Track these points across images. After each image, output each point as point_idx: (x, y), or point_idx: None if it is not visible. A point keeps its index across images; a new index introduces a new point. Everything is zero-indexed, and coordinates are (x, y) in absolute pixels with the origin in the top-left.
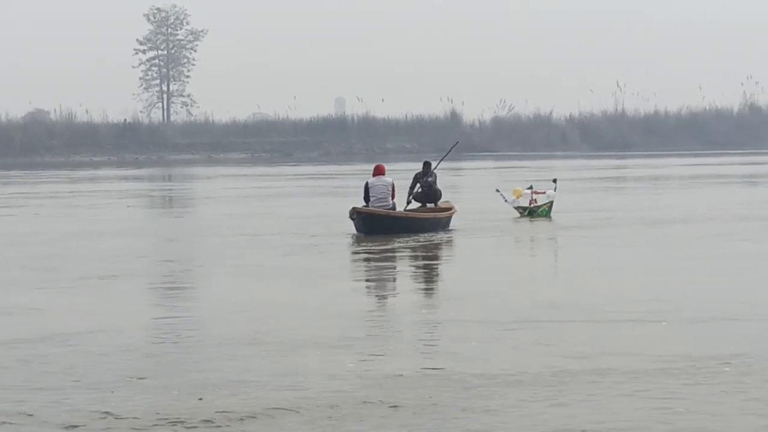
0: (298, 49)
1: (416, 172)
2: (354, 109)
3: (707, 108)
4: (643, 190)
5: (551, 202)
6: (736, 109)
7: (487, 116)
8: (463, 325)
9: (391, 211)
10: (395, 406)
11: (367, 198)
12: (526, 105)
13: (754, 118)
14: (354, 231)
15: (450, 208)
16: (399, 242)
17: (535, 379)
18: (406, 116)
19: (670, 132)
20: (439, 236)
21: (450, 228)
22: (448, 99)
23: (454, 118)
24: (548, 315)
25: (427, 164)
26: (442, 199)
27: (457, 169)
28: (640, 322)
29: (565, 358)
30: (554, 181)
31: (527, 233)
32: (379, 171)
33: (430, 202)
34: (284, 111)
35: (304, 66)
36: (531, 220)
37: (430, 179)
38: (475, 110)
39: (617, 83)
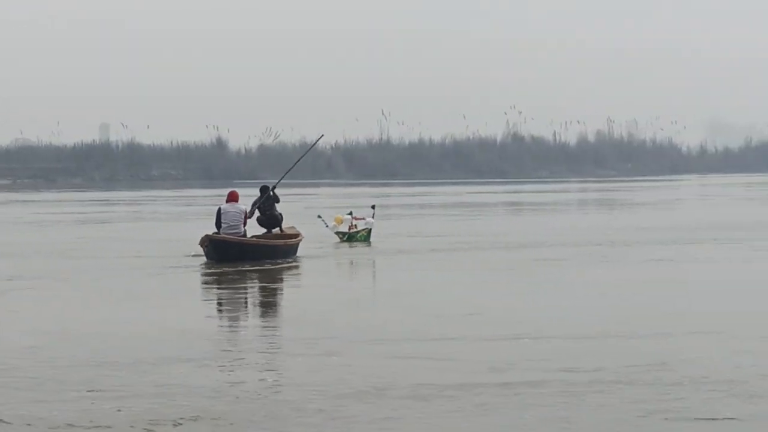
0: (61, 74)
1: (255, 198)
2: (119, 136)
3: (471, 137)
4: (451, 217)
5: (370, 229)
6: (499, 139)
7: (254, 144)
8: (299, 342)
9: (243, 238)
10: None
11: (218, 224)
12: (292, 133)
13: (517, 147)
14: (204, 258)
15: (297, 235)
16: (250, 268)
17: (359, 393)
18: (172, 143)
19: (434, 160)
20: (288, 262)
21: (297, 255)
22: (213, 126)
23: (220, 145)
24: (371, 336)
25: (264, 188)
26: (286, 224)
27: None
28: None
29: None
30: (372, 207)
31: (363, 257)
32: (232, 197)
33: (274, 227)
34: (47, 137)
35: (68, 93)
36: (351, 246)
37: (270, 204)
38: (242, 137)
39: (382, 112)
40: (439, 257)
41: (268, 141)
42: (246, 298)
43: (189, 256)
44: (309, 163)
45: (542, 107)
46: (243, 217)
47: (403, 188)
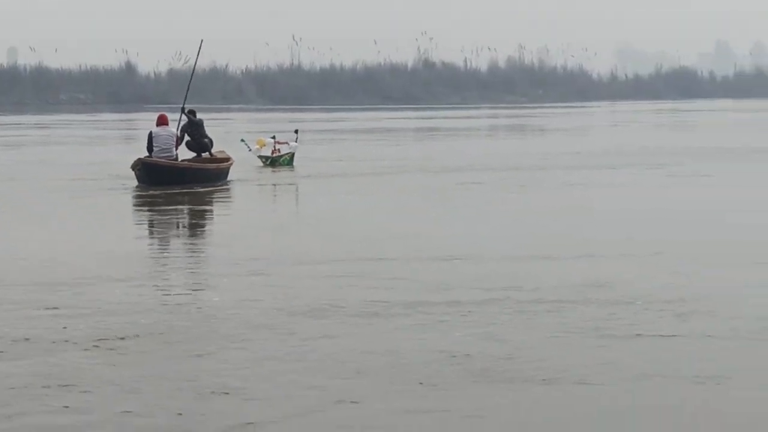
0: None
1: (183, 123)
2: (27, 59)
3: (382, 63)
4: (370, 142)
5: (293, 153)
6: (410, 65)
7: (163, 68)
8: (232, 264)
9: (175, 162)
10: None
11: (150, 148)
12: (203, 57)
13: (428, 73)
14: (136, 182)
15: (228, 159)
16: (180, 191)
17: (309, 311)
18: (80, 67)
19: (346, 86)
20: (219, 186)
21: (229, 179)
22: (123, 50)
23: (129, 69)
24: (305, 258)
25: (192, 112)
26: (215, 149)
27: (141, 121)
28: (396, 260)
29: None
30: (296, 131)
31: (287, 182)
32: (162, 121)
33: (203, 152)
34: None
35: None
36: (274, 170)
37: (199, 129)
38: (151, 62)
39: (293, 37)
40: (361, 182)
41: (178, 65)
42: (177, 221)
43: (118, 178)
44: (219, 88)
45: (453, 33)
46: (175, 140)
47: (316, 114)
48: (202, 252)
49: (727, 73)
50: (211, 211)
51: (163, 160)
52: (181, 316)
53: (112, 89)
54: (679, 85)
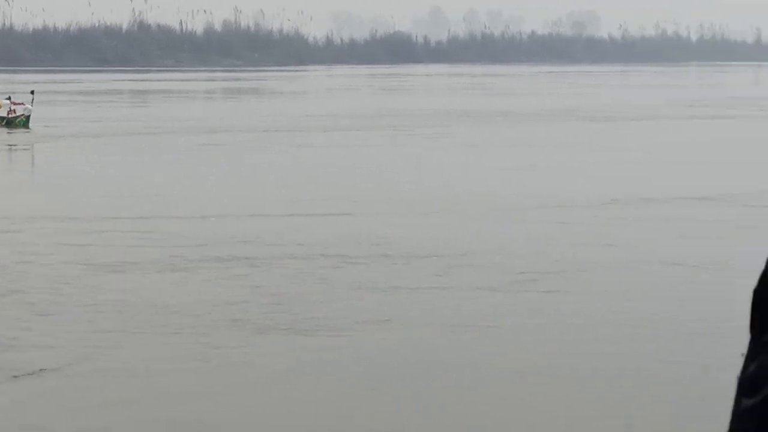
0: None
1: None
2: None
3: (97, 24)
4: (95, 104)
5: (29, 115)
6: (125, 27)
7: None
8: None
9: None
10: None
11: None
12: None
13: (143, 35)
14: None
15: None
16: None
17: (109, 264)
18: None
19: (58, 48)
20: None
21: None
22: None
23: None
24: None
25: None
26: None
27: None
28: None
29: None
30: (32, 92)
31: (23, 143)
32: None
33: None
34: None
35: None
36: (9, 131)
37: None
38: None
39: None
40: (107, 143)
41: None
42: None
43: None
44: None
45: None
46: None
47: (31, 75)
48: None
49: (441, 39)
50: None
51: None
52: None
53: None
54: (394, 49)
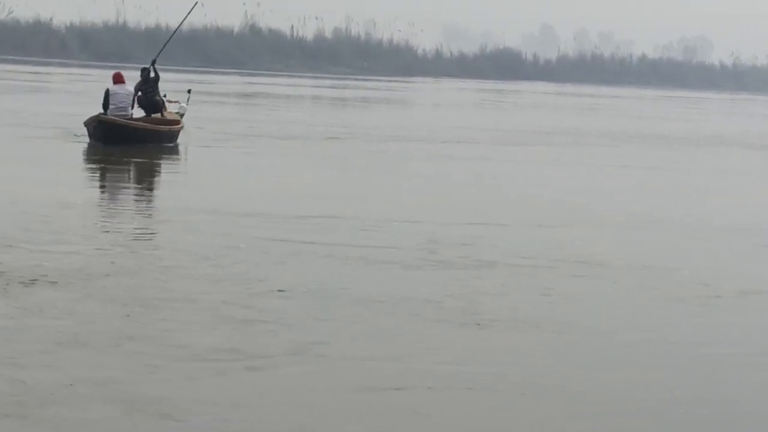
0: None
1: (137, 82)
2: None
3: (209, 26)
4: (263, 107)
5: (183, 114)
6: (236, 29)
7: None
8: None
9: (130, 121)
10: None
11: (106, 106)
12: (26, 9)
13: (254, 39)
14: (88, 139)
15: (179, 122)
16: (136, 152)
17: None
18: None
19: (170, 46)
20: (170, 147)
21: (178, 141)
22: None
23: None
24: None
25: (146, 70)
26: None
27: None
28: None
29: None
30: (188, 91)
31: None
32: (119, 79)
33: (155, 112)
34: None
35: None
36: None
37: (153, 87)
38: None
39: None
40: (267, 144)
41: (2, 16)
42: (125, 180)
43: (68, 132)
44: (42, 41)
45: (281, 0)
46: (132, 99)
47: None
48: (151, 206)
49: (551, 57)
50: (159, 171)
51: (118, 118)
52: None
53: None
54: (502, 65)
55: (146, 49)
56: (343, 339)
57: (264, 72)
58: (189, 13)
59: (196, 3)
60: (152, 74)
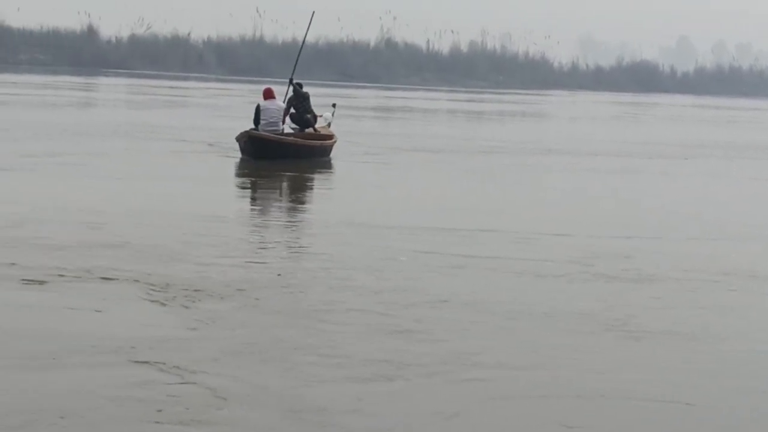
0: None
1: (289, 95)
2: None
3: (345, 40)
4: (403, 121)
5: (328, 126)
6: (372, 43)
7: (125, 33)
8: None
9: (282, 136)
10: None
11: (257, 121)
12: (164, 24)
13: (390, 53)
14: (239, 154)
15: (332, 136)
16: (288, 167)
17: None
18: (42, 27)
19: (307, 61)
20: (323, 162)
21: (330, 156)
22: (85, 13)
23: (91, 32)
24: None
25: (299, 85)
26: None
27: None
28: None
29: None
30: (333, 105)
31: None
32: (269, 94)
33: (307, 127)
34: None
35: None
36: None
37: (304, 103)
38: (113, 26)
39: (257, 9)
40: (424, 158)
41: (140, 31)
42: (279, 194)
43: (220, 147)
44: (180, 55)
45: (417, 15)
46: (282, 114)
47: (280, 86)
48: (302, 222)
49: (688, 69)
50: (312, 186)
51: (269, 134)
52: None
53: (72, 51)
54: (639, 78)
55: (283, 63)
56: (497, 349)
57: (400, 86)
58: (309, 25)
59: (314, 13)
60: (290, 93)
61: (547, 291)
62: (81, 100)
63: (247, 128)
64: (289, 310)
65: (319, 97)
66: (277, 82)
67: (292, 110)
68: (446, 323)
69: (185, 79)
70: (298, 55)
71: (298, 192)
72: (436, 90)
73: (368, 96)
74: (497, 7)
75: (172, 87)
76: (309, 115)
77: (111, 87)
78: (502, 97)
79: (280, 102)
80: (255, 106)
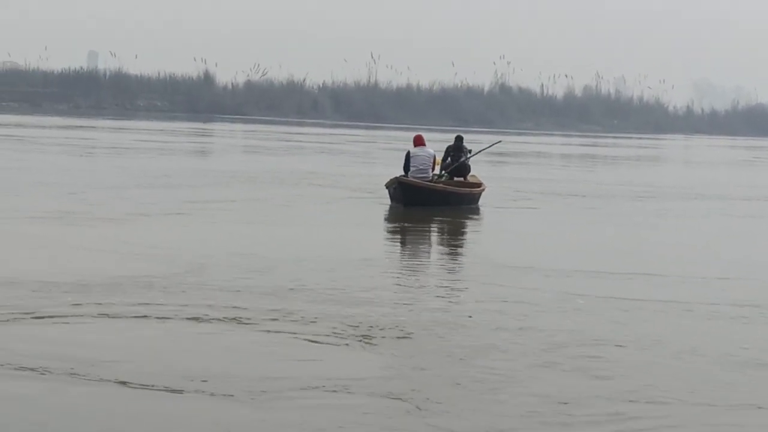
0: None
1: (448, 144)
2: (107, 64)
3: (459, 85)
4: (527, 166)
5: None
6: (487, 88)
7: (241, 79)
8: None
9: (431, 183)
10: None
11: (407, 168)
12: (279, 70)
13: (504, 97)
14: (389, 201)
15: (481, 184)
16: (437, 213)
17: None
18: (159, 74)
19: (421, 106)
20: (471, 210)
21: (479, 204)
22: (201, 59)
23: (207, 78)
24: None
25: (459, 138)
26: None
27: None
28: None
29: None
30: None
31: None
32: (419, 141)
33: (459, 176)
34: (35, 61)
35: (57, 17)
36: None
37: (464, 155)
38: (229, 72)
39: (371, 54)
40: (553, 203)
41: (256, 77)
42: (429, 239)
43: (369, 193)
44: (295, 101)
45: (531, 59)
46: (432, 161)
47: (392, 132)
48: (455, 268)
49: None
50: (462, 231)
51: (418, 180)
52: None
53: (189, 97)
54: (754, 122)
55: (397, 109)
56: (673, 387)
57: (514, 130)
58: (488, 147)
59: (499, 141)
60: (465, 146)
61: (719, 331)
62: (211, 147)
63: (396, 175)
64: (455, 351)
65: (435, 143)
66: (389, 127)
67: (448, 160)
68: (623, 362)
69: (301, 124)
70: (482, 150)
71: (447, 236)
72: (550, 134)
73: (484, 141)
74: (611, 51)
75: (298, 133)
76: (467, 164)
77: (236, 133)
78: (618, 141)
79: (429, 149)
80: (405, 153)
